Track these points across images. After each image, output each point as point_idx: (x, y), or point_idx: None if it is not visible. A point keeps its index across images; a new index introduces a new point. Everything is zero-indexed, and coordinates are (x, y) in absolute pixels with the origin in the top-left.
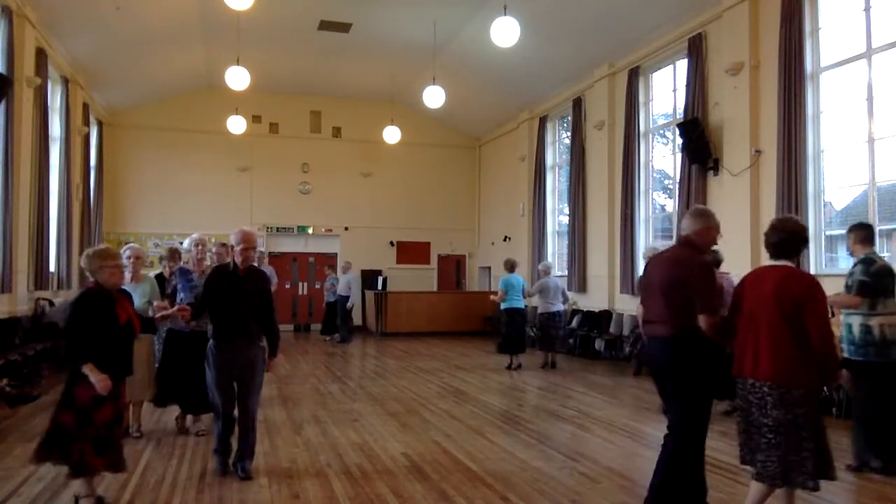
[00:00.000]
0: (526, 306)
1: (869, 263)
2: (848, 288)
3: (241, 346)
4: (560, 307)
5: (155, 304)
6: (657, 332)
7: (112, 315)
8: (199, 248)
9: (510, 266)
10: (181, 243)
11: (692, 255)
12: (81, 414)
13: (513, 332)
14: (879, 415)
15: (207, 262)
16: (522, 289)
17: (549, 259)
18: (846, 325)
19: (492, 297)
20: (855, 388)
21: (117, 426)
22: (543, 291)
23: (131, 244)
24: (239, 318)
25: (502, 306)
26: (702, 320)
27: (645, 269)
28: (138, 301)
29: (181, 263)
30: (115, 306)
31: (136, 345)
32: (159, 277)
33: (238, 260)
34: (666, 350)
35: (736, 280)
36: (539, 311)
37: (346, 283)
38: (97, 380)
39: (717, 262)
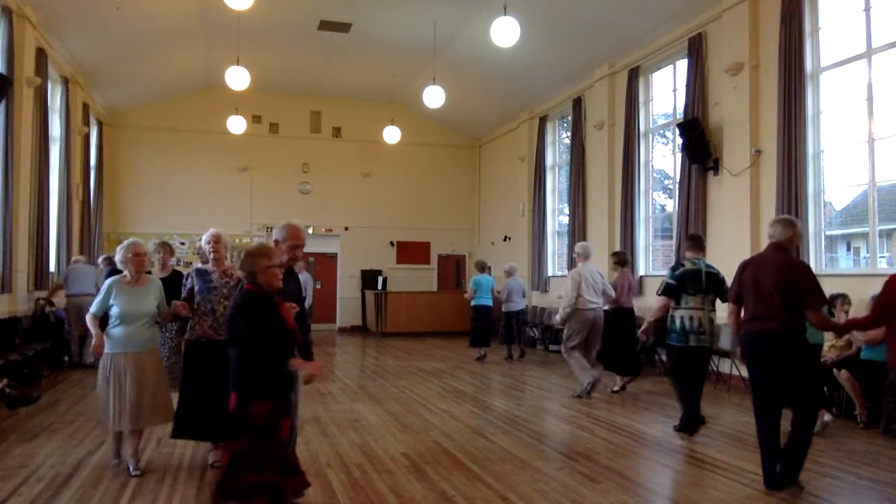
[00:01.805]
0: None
1: (676, 268)
2: None
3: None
4: (521, 306)
5: (175, 303)
6: (769, 328)
7: (280, 319)
8: (213, 244)
9: (480, 267)
10: (179, 243)
11: (796, 259)
12: (261, 434)
13: (479, 326)
14: (677, 385)
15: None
16: (491, 288)
17: (549, 259)
18: (669, 317)
19: (465, 295)
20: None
21: (288, 447)
22: (509, 292)
23: (133, 239)
24: None
25: (472, 303)
26: (812, 315)
27: (742, 272)
28: (152, 307)
29: (198, 264)
30: (280, 310)
31: (140, 358)
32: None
33: (283, 259)
34: (780, 343)
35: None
36: (503, 309)
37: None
38: (313, 367)
39: (624, 262)
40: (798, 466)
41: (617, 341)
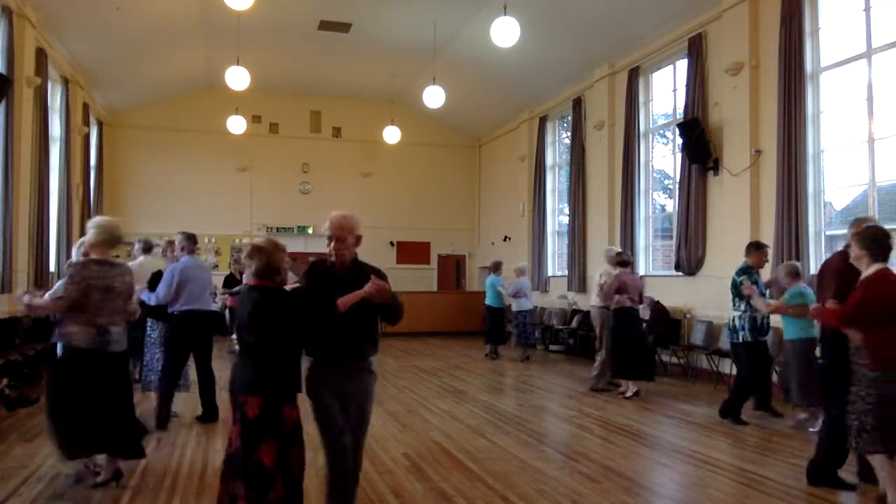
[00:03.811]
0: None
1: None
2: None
3: (343, 369)
4: (529, 305)
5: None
6: None
7: (301, 315)
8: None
9: (493, 266)
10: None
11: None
12: (291, 439)
13: (486, 326)
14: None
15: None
16: (495, 287)
17: (549, 259)
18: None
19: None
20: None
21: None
22: (517, 291)
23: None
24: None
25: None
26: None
27: None
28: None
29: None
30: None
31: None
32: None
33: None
34: None
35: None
36: (514, 308)
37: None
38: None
39: (625, 262)
40: (828, 463)
41: (623, 344)
